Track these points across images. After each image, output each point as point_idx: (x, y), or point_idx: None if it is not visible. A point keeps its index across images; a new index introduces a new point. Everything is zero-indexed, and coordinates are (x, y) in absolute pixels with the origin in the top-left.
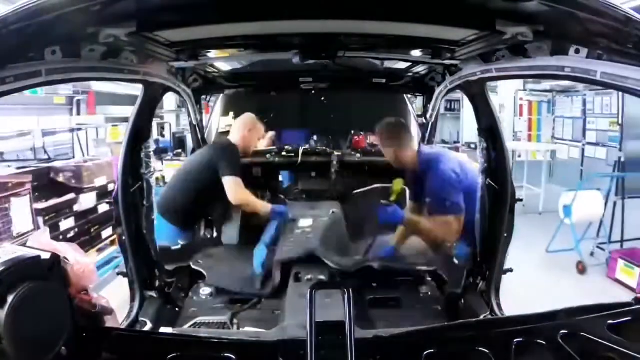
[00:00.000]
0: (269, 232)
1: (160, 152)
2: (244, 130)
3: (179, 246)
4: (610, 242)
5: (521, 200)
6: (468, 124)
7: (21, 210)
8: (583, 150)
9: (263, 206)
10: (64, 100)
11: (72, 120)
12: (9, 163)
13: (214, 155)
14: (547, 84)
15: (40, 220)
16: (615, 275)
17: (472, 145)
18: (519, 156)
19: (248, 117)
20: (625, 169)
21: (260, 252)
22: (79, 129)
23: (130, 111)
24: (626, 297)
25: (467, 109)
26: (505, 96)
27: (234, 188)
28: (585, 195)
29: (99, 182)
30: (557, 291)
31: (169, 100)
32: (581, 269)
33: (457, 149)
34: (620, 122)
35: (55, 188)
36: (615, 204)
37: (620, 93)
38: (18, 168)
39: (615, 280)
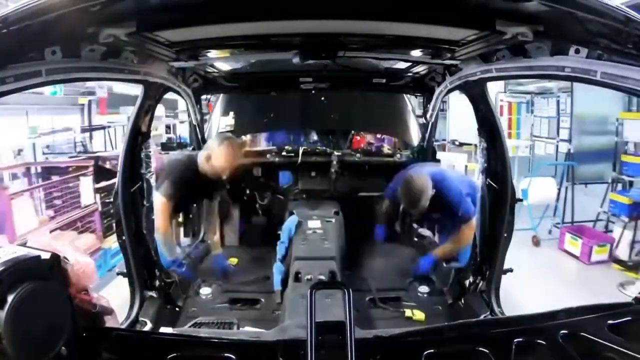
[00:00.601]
0: (280, 250)
1: (182, 147)
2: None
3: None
4: (564, 223)
5: (521, 200)
6: (454, 124)
7: (86, 187)
8: (557, 146)
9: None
10: (86, 101)
11: (84, 120)
12: (47, 155)
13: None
14: (526, 86)
15: (97, 196)
16: (564, 247)
17: (457, 143)
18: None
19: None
20: (573, 159)
21: (277, 269)
22: (109, 127)
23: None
24: (568, 262)
25: (453, 110)
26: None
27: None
28: (539, 181)
29: None
30: (514, 258)
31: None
32: (535, 242)
33: (444, 147)
34: (570, 120)
35: (103, 173)
36: (567, 189)
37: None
38: (70, 157)
39: (564, 250)
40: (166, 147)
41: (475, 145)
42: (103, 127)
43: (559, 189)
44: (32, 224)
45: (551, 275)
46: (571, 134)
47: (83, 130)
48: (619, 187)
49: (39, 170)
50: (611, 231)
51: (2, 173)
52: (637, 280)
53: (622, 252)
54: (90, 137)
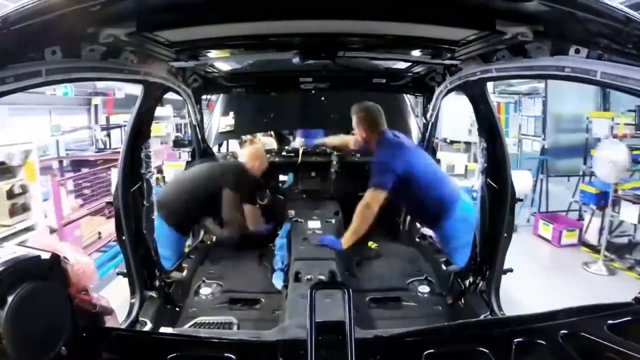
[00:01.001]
0: (279, 256)
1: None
2: (254, 160)
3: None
4: (540, 212)
5: (521, 200)
6: (445, 123)
7: (116, 177)
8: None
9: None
10: (99, 101)
11: (90, 119)
12: (67, 152)
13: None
14: (515, 87)
15: None
16: (538, 232)
17: (447, 140)
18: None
19: (258, 149)
20: (547, 154)
21: (278, 276)
22: (124, 125)
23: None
24: (541, 245)
25: (444, 109)
26: None
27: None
28: (515, 173)
29: (156, 163)
30: None
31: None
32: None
33: (435, 145)
34: (544, 118)
35: None
36: (542, 181)
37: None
38: (95, 152)
39: (538, 235)
40: (178, 144)
41: (465, 143)
42: (120, 126)
43: (535, 181)
44: (65, 209)
45: (525, 256)
46: (545, 132)
47: (103, 129)
48: (594, 179)
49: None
50: (584, 219)
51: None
52: (599, 260)
53: (592, 237)
54: (95, 136)
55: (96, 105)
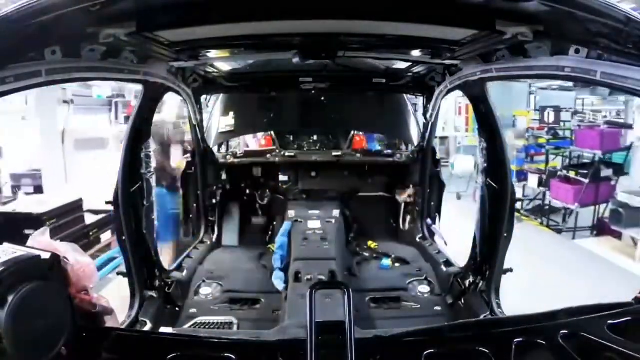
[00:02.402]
0: (278, 255)
1: None
2: None
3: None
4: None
5: (521, 200)
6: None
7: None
8: None
9: None
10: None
11: (111, 118)
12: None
13: None
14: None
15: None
16: (475, 198)
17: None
18: (459, 143)
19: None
20: None
21: (278, 276)
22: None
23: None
24: (475, 206)
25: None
26: (449, 100)
27: None
28: (462, 157)
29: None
30: (445, 205)
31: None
32: (458, 197)
33: None
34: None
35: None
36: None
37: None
38: None
39: (475, 200)
40: None
41: (440, 138)
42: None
43: (477, 163)
44: None
45: (463, 213)
46: None
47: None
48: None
49: None
50: None
51: None
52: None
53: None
54: None
55: (116, 105)
